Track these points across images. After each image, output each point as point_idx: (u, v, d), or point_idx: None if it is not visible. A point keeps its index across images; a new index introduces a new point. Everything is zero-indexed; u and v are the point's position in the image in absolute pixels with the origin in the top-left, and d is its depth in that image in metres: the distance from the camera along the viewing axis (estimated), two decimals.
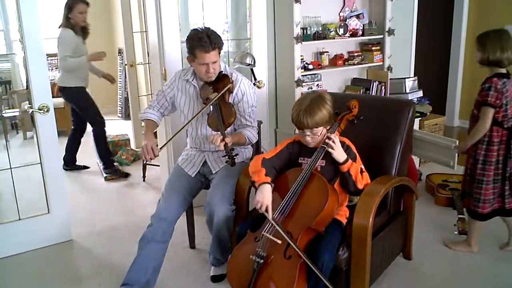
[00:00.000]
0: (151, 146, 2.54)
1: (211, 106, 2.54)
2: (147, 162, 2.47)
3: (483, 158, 2.73)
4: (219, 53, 2.53)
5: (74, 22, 4.16)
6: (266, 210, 2.13)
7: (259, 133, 3.26)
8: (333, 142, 2.16)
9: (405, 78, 4.32)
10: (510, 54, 2.63)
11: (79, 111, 4.44)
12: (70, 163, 4.69)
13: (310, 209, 2.10)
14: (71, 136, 4.66)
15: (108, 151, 4.60)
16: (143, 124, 2.81)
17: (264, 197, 2.15)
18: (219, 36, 2.52)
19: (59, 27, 4.22)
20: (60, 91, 4.33)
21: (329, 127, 2.28)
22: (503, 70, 2.70)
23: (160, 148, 2.60)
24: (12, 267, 2.97)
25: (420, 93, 4.37)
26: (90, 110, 4.41)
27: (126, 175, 4.53)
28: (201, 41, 2.43)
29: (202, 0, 3.54)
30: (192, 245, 3.11)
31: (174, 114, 2.93)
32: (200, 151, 2.77)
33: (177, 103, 2.76)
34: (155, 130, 2.85)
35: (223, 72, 2.64)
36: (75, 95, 4.32)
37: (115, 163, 4.62)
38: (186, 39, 2.52)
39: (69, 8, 4.14)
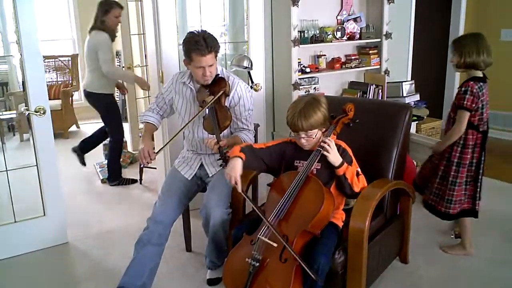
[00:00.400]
0: (147, 151, 2.55)
1: (207, 109, 2.54)
2: (144, 166, 2.49)
3: (457, 160, 2.76)
4: (216, 56, 2.53)
5: (109, 26, 4.05)
6: (236, 183, 2.17)
7: (256, 136, 3.26)
8: (329, 145, 2.16)
9: (402, 82, 4.33)
10: (486, 57, 2.67)
11: (103, 118, 4.32)
12: (117, 176, 4.43)
13: (305, 212, 2.09)
14: (110, 146, 4.41)
15: (119, 166, 4.46)
16: (141, 126, 2.81)
17: (231, 169, 2.18)
18: (216, 39, 2.52)
19: (90, 30, 4.10)
20: (89, 96, 4.22)
21: (324, 129, 2.28)
22: (480, 74, 2.73)
23: (157, 153, 2.60)
24: (8, 270, 2.95)
25: (417, 97, 4.38)
26: (114, 121, 4.28)
27: (133, 181, 4.44)
28: (197, 44, 2.43)
29: (200, 2, 3.54)
30: (188, 248, 3.10)
31: (172, 116, 2.93)
32: (197, 154, 2.77)
33: (175, 105, 2.76)
34: (153, 133, 2.85)
35: (220, 75, 2.64)
36: (105, 102, 4.21)
37: (120, 178, 4.46)
38: (183, 42, 2.52)
39: (105, 11, 4.02)
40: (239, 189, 2.19)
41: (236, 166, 2.19)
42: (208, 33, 2.51)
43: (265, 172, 2.53)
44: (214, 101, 2.52)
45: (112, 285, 2.51)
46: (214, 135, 2.47)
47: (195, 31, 2.52)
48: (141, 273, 2.43)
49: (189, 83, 2.68)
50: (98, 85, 4.12)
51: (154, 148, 2.61)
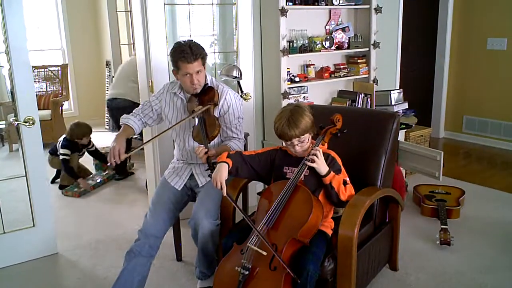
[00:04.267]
0: (118, 149, 2.48)
1: (196, 119, 2.55)
2: (109, 164, 2.46)
3: None
4: (203, 63, 2.55)
5: None
6: (221, 187, 2.23)
7: (246, 145, 3.27)
8: (316, 156, 2.19)
9: (390, 90, 4.38)
10: None
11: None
12: (123, 172, 4.81)
13: (294, 221, 2.11)
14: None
15: (125, 164, 4.86)
16: None
17: (217, 173, 2.25)
18: (201, 47, 2.54)
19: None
20: (128, 104, 4.46)
21: (313, 134, 2.31)
22: None
23: (127, 155, 2.54)
24: None
25: (406, 105, 4.43)
26: None
27: (132, 173, 4.89)
28: (183, 52, 2.46)
29: (189, 13, 3.57)
30: (178, 258, 3.10)
31: (161, 126, 2.93)
32: (187, 164, 2.77)
33: (164, 115, 2.77)
34: (129, 137, 2.80)
35: (209, 85, 2.66)
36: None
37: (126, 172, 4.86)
38: (170, 53, 2.55)
39: None
40: (224, 193, 2.24)
41: (222, 171, 2.25)
42: (194, 41, 2.54)
43: (255, 180, 2.55)
44: (202, 111, 2.53)
45: None
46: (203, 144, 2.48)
47: (181, 41, 2.55)
48: (131, 284, 2.41)
49: (179, 93, 2.70)
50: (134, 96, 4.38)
51: (125, 150, 2.54)
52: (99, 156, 4.81)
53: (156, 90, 2.86)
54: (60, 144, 4.46)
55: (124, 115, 2.78)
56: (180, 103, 2.71)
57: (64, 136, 4.55)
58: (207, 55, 2.58)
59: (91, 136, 4.68)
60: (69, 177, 4.44)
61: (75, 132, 4.51)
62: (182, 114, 2.71)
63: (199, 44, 2.54)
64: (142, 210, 3.80)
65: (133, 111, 2.82)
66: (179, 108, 2.72)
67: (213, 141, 2.60)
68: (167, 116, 2.76)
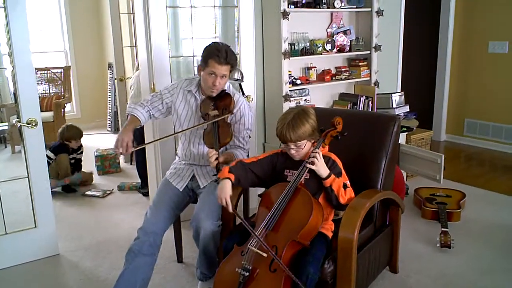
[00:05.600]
0: (127, 142, 2.47)
1: (210, 123, 2.57)
2: (115, 155, 2.42)
3: None
4: (230, 71, 2.59)
5: None
6: (227, 204, 2.23)
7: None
8: (316, 158, 2.20)
9: (392, 93, 4.40)
10: None
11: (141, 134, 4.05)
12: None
13: (294, 223, 2.12)
14: (141, 158, 4.30)
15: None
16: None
17: (221, 191, 2.24)
18: (236, 57, 2.60)
19: None
20: None
21: (313, 140, 2.31)
22: None
23: (136, 148, 2.55)
24: None
25: (407, 108, 4.44)
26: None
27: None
28: (218, 52, 2.50)
29: (191, 15, 3.59)
30: (179, 259, 3.11)
31: (164, 121, 2.92)
32: (189, 165, 2.79)
33: (175, 110, 2.77)
34: (136, 128, 2.72)
35: (227, 91, 2.67)
36: None
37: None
38: (204, 48, 2.59)
39: None
40: (230, 209, 2.24)
41: (226, 187, 2.25)
42: (231, 48, 2.58)
43: (258, 186, 2.55)
44: (218, 117, 2.55)
45: None
46: (214, 149, 2.49)
47: (219, 43, 2.60)
48: (133, 284, 2.41)
49: (195, 92, 2.72)
50: None
51: (133, 142, 2.53)
52: (77, 166, 4.72)
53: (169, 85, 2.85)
54: (49, 148, 4.46)
55: (131, 104, 2.77)
56: (193, 101, 2.73)
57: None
58: (237, 65, 2.63)
59: (80, 140, 4.69)
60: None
61: (64, 134, 4.57)
62: (193, 112, 2.73)
63: (234, 53, 2.58)
64: (143, 212, 3.80)
65: (141, 102, 2.80)
66: (191, 106, 2.73)
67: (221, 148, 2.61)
68: (177, 111, 2.76)
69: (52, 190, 4.25)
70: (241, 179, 2.34)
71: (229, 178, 2.28)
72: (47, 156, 4.35)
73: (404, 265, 2.92)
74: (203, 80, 2.63)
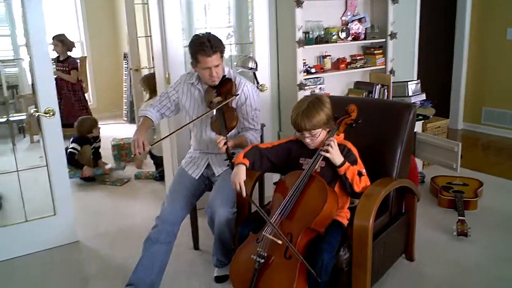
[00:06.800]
0: (142, 141, 2.53)
1: (214, 110, 2.59)
2: (134, 156, 2.51)
3: None
4: (221, 56, 2.58)
5: None
6: (240, 188, 2.24)
7: (262, 136, 3.29)
8: (330, 146, 2.20)
9: (407, 81, 4.34)
10: None
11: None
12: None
13: (309, 210, 2.13)
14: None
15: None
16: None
17: (235, 176, 2.26)
18: (220, 40, 2.56)
19: None
20: None
21: (328, 129, 2.31)
22: None
23: (152, 145, 2.60)
24: (19, 268, 3.01)
25: (423, 96, 4.38)
26: None
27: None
28: (203, 45, 2.48)
29: (205, 5, 3.59)
30: (196, 247, 3.15)
31: (177, 116, 2.96)
32: (204, 154, 2.81)
33: (182, 105, 2.80)
34: (149, 128, 2.82)
35: (227, 76, 2.68)
36: None
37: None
38: (189, 45, 2.57)
39: None
40: (244, 194, 2.26)
41: (240, 173, 2.26)
42: (213, 34, 2.55)
43: (273, 172, 2.57)
44: (221, 103, 2.56)
45: (121, 283, 2.55)
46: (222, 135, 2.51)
47: (200, 34, 2.57)
48: (150, 271, 2.47)
49: (197, 84, 2.73)
50: None
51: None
52: (96, 155, 4.82)
53: (173, 82, 2.89)
54: (71, 140, 4.56)
55: (142, 107, 2.83)
56: (197, 93, 2.75)
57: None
58: (225, 48, 2.60)
59: (99, 126, 4.78)
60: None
61: (82, 129, 4.63)
62: (199, 104, 2.74)
63: (217, 37, 2.56)
64: (159, 201, 3.84)
65: (151, 103, 2.86)
66: (197, 99, 2.75)
67: (230, 132, 2.63)
68: (184, 106, 2.79)
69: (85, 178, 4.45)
70: (255, 164, 2.36)
71: (244, 164, 2.29)
72: (74, 148, 4.45)
73: (420, 253, 2.91)
74: (200, 75, 2.65)
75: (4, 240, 3.08)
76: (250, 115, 2.72)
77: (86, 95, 5.91)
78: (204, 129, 2.75)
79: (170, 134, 2.77)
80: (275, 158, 2.42)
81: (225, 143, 2.45)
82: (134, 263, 2.51)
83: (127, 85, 7.01)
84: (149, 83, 4.49)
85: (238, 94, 2.66)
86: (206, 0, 3.59)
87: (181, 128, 2.68)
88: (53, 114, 2.99)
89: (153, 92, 4.21)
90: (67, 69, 5.37)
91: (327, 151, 2.20)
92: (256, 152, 2.37)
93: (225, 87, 2.64)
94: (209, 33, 2.57)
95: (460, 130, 6.02)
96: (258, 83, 3.57)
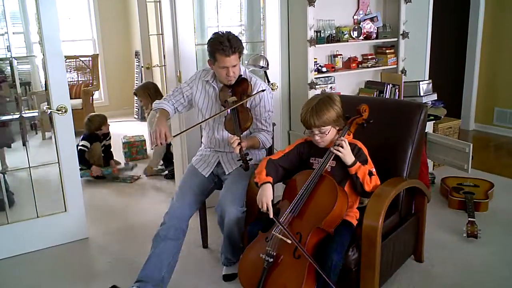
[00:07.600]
0: (164, 132, 2.51)
1: (229, 110, 2.59)
2: (156, 146, 2.49)
3: None
4: (240, 57, 2.58)
5: None
6: (268, 209, 2.20)
7: (273, 137, 3.29)
8: (341, 146, 2.19)
9: (419, 81, 4.31)
10: None
11: None
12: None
13: (319, 210, 2.13)
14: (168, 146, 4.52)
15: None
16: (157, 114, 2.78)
17: (263, 196, 2.24)
18: (240, 40, 2.56)
19: None
20: None
21: (338, 128, 2.31)
22: None
23: (174, 136, 2.60)
24: (30, 264, 3.04)
25: (435, 96, 4.35)
26: None
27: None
28: (222, 45, 2.48)
29: (217, 3, 3.59)
30: (204, 245, 3.15)
31: (190, 112, 2.96)
32: (215, 152, 2.82)
33: (196, 102, 2.80)
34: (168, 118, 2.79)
35: (243, 76, 2.68)
36: None
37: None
38: (207, 43, 2.57)
39: None
40: (271, 215, 2.20)
41: (267, 193, 2.25)
42: (233, 34, 2.55)
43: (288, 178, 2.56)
44: (236, 103, 2.56)
45: (131, 279, 2.56)
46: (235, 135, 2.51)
47: (219, 32, 2.57)
48: (160, 267, 2.47)
49: (212, 82, 2.73)
50: None
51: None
52: (107, 153, 4.81)
53: (184, 80, 2.89)
54: (81, 138, 4.58)
55: (156, 101, 2.82)
56: (212, 91, 2.75)
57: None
58: (243, 48, 2.60)
59: (108, 123, 4.79)
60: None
61: (91, 126, 4.64)
62: (213, 102, 2.75)
63: (237, 37, 2.55)
64: (168, 198, 3.86)
65: (164, 97, 2.85)
66: (211, 96, 2.75)
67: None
68: (197, 103, 2.79)
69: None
70: (274, 178, 2.35)
71: (269, 182, 2.29)
72: (84, 146, 4.49)
73: (429, 255, 2.90)
74: (217, 74, 2.65)
75: (16, 236, 3.11)
76: (263, 116, 2.73)
77: (97, 92, 5.89)
78: (217, 128, 2.76)
79: (192, 127, 2.71)
80: (289, 165, 2.42)
81: (239, 143, 2.45)
82: (144, 260, 2.52)
83: (139, 83, 7.04)
84: (150, 93, 4.55)
85: (254, 95, 2.65)
86: None
87: (201, 122, 2.67)
88: (65, 111, 3.01)
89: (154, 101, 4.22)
90: None
91: (338, 150, 2.19)
92: (272, 166, 2.37)
93: (241, 87, 2.64)
94: (229, 32, 2.56)
95: (471, 131, 5.97)
96: (269, 81, 3.57)
